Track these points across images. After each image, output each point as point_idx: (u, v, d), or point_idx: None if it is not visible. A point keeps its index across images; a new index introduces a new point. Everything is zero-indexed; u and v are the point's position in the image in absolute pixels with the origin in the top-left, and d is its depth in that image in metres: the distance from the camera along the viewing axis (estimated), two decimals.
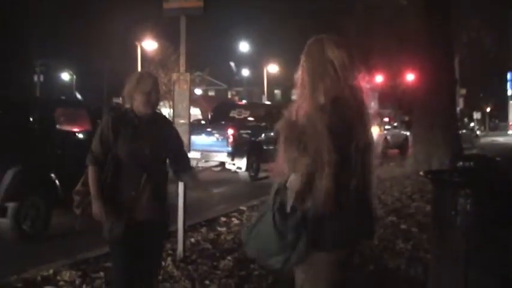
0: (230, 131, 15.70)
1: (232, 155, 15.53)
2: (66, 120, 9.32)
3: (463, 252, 3.87)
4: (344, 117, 2.67)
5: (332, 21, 39.05)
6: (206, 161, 16.17)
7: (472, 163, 4.17)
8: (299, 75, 2.93)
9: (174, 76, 6.78)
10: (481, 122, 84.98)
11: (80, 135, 9.28)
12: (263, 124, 16.75)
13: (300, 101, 2.82)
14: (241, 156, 15.54)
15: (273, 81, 65.69)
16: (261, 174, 15.69)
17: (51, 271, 5.82)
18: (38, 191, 8.13)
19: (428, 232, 6.01)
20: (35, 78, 55.04)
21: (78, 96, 57.54)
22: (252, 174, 15.79)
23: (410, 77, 31.71)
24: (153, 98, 3.99)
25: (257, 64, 60.70)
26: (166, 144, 4.07)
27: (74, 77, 60.67)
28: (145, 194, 3.90)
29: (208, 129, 16.18)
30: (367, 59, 46.59)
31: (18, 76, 48.91)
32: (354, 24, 36.39)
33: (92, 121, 9.31)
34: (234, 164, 15.60)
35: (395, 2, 26.16)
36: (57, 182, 8.27)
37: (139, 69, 43.84)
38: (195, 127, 14.83)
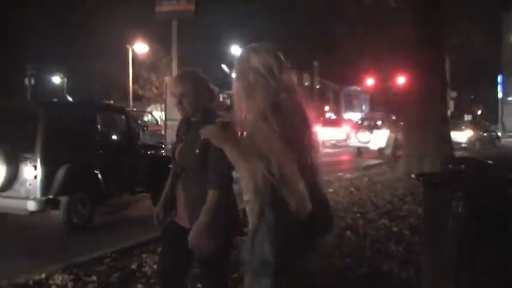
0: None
1: None
2: (106, 122, 10.19)
3: (455, 254, 3.89)
4: (286, 120, 2.65)
5: (324, 25, 39.19)
6: None
7: (463, 166, 4.19)
8: (234, 88, 2.89)
9: (166, 79, 6.81)
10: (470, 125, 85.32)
11: (117, 137, 10.22)
12: None
13: (240, 113, 2.81)
14: None
15: None
16: None
17: (43, 275, 5.80)
18: (84, 187, 9.06)
19: (421, 234, 6.04)
20: (26, 81, 54.83)
21: (70, 99, 57.43)
22: None
23: (401, 79, 31.78)
24: (185, 101, 3.64)
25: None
26: (201, 152, 3.52)
27: (65, 80, 60.48)
28: (180, 201, 3.73)
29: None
30: (358, 62, 46.76)
31: (9, 79, 48.70)
32: (345, 27, 36.45)
33: (128, 123, 10.26)
34: None
35: (386, 5, 26.25)
36: (100, 178, 9.19)
37: (130, 72, 43.85)
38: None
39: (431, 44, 14.46)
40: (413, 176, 4.85)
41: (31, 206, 8.23)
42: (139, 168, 10.10)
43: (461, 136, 30.47)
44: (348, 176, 15.37)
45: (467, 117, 65.77)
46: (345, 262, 6.12)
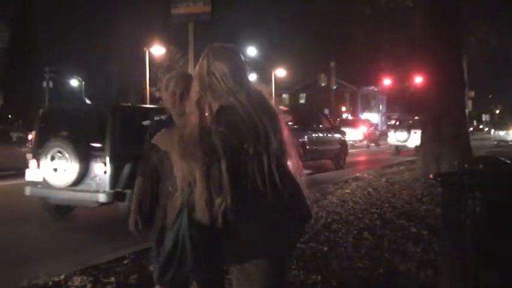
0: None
1: None
2: None
3: (473, 254, 3.87)
4: (230, 125, 2.68)
5: (340, 25, 39.06)
6: None
7: (481, 165, 4.17)
8: (192, 88, 2.96)
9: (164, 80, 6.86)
10: (490, 124, 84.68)
11: None
12: (305, 126, 18.76)
13: (189, 114, 2.90)
14: None
15: (281, 85, 65.76)
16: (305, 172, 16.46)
17: (62, 276, 5.85)
18: None
19: (439, 235, 6.01)
20: (44, 84, 55.31)
21: (88, 102, 57.82)
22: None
23: (418, 79, 31.64)
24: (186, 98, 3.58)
25: (265, 68, 60.75)
26: None
27: (83, 83, 60.92)
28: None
29: None
30: (375, 62, 46.58)
31: (27, 82, 49.16)
32: (361, 27, 36.32)
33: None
34: None
35: (403, 4, 26.12)
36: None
37: (147, 74, 44.06)
38: None
39: (448, 43, 14.38)
40: (431, 176, 4.82)
41: (102, 198, 9.13)
42: None
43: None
44: (366, 176, 15.33)
45: (485, 117, 65.44)
46: (363, 263, 6.11)
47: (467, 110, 26.66)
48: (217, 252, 2.88)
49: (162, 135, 2.89)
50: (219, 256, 2.90)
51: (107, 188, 9.18)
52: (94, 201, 9.25)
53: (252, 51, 56.80)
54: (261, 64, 60.07)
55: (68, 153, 9.21)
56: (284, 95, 79.94)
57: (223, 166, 2.67)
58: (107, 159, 9.20)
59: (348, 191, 12.25)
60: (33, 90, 51.30)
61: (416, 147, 24.45)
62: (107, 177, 9.18)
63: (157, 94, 49.40)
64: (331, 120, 23.83)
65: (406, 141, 27.78)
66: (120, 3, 49.30)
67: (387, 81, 60.36)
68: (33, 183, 9.87)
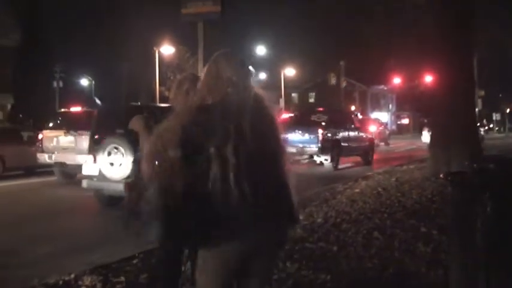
0: (320, 131, 19.91)
1: (321, 150, 19.77)
2: None
3: (483, 255, 3.86)
4: (198, 125, 2.88)
5: (350, 25, 39.01)
6: (300, 155, 20.12)
7: (491, 165, 4.14)
8: (197, 89, 3.28)
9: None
10: (500, 123, 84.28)
11: None
12: (339, 125, 21.27)
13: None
14: (327, 151, 19.80)
15: (290, 84, 65.74)
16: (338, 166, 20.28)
17: (72, 276, 5.87)
18: None
19: (449, 235, 5.99)
20: (54, 83, 55.54)
21: (98, 101, 57.96)
22: (334, 165, 19.96)
23: (428, 78, 31.58)
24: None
25: (274, 67, 60.75)
26: None
27: (93, 82, 61.13)
28: None
29: (300, 130, 20.06)
30: (385, 61, 46.47)
31: (37, 81, 49.38)
32: (372, 26, 36.25)
33: None
34: (321, 157, 20.01)
35: (413, 4, 26.04)
36: None
37: (157, 74, 44.16)
38: (290, 127, 19.73)
39: (459, 42, 14.32)
40: (441, 175, 4.81)
41: None
42: None
43: None
44: (376, 176, 15.31)
45: (496, 116, 65.17)
46: (372, 263, 6.10)
47: (477, 109, 26.62)
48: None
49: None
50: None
51: None
52: None
53: (261, 50, 56.77)
54: (270, 63, 60.11)
55: (124, 149, 10.15)
56: (293, 94, 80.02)
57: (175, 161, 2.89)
58: None
59: (357, 190, 12.23)
60: (43, 90, 51.52)
61: None
62: None
63: (166, 93, 49.50)
64: (360, 120, 26.24)
65: None
66: (129, 3, 49.39)
67: (397, 80, 60.26)
68: (90, 177, 11.06)
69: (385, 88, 77.10)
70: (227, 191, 2.80)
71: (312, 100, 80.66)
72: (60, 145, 15.84)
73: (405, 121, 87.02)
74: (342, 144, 20.54)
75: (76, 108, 20.21)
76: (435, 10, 15.22)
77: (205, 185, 2.82)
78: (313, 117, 22.37)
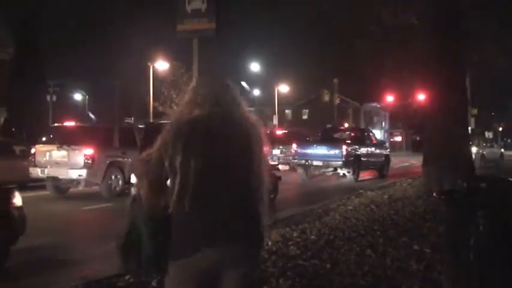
0: (344, 147, 22.15)
1: (344, 164, 22.00)
2: None
3: (477, 273, 3.86)
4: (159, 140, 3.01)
5: (344, 42, 39.20)
6: (326, 167, 22.93)
7: (484, 184, 4.17)
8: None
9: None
10: (493, 142, 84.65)
11: None
12: (359, 142, 24.05)
13: None
14: (349, 165, 22.12)
15: (284, 101, 65.86)
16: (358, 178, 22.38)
17: None
18: None
19: (442, 253, 6.00)
20: (48, 98, 55.46)
21: (92, 116, 57.96)
22: (355, 177, 22.29)
23: (421, 96, 31.80)
24: None
25: (268, 84, 60.92)
26: None
27: (87, 97, 61.10)
28: None
29: (326, 146, 22.93)
30: (378, 79, 46.66)
31: (31, 96, 49.33)
32: (365, 44, 36.44)
33: None
34: (344, 170, 22.38)
35: (407, 23, 26.23)
36: None
37: (151, 89, 44.21)
38: (315, 144, 24.14)
39: (452, 61, 14.42)
40: (434, 193, 4.83)
41: None
42: None
43: None
44: (369, 193, 15.32)
45: (488, 134, 65.14)
46: (365, 280, 6.09)
47: (469, 128, 26.75)
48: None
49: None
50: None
51: None
52: None
53: (255, 67, 57.01)
54: (264, 80, 60.30)
55: None
56: (287, 111, 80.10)
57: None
58: None
59: (350, 207, 12.24)
60: (37, 104, 51.41)
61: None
62: None
63: (160, 109, 49.53)
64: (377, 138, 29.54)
65: None
66: (124, 18, 49.57)
67: (390, 98, 60.44)
68: None
69: (378, 106, 77.33)
70: (175, 208, 2.88)
71: (305, 117, 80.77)
72: (53, 159, 15.78)
73: (398, 139, 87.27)
74: (362, 159, 23.02)
75: (69, 123, 20.19)
76: (427, 29, 15.34)
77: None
78: (336, 135, 25.71)
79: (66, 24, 55.72)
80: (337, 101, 58.12)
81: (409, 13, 24.34)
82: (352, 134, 25.86)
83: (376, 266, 6.71)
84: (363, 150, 23.59)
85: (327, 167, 22.78)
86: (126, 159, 15.69)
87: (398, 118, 75.33)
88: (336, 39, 39.26)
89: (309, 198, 15.94)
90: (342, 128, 29.96)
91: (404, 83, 43.78)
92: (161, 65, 45.55)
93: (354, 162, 22.30)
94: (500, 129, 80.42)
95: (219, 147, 2.95)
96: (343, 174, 22.71)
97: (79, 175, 15.21)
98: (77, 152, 15.41)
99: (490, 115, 76.02)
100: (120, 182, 15.69)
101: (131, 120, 50.62)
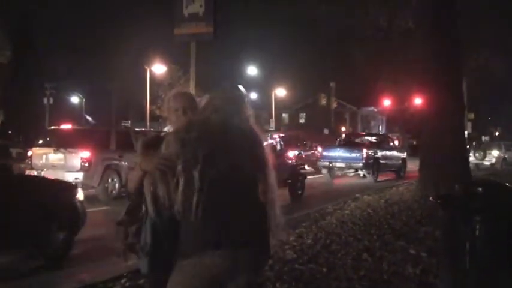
0: (364, 151, 24.09)
1: (365, 166, 23.90)
2: None
3: (473, 278, 3.86)
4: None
5: (341, 46, 39.24)
6: (348, 169, 24.65)
7: (481, 188, 4.17)
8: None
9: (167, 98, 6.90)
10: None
11: None
12: (378, 146, 26.07)
13: None
14: (369, 166, 24.01)
15: (281, 105, 65.90)
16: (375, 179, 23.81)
17: None
18: None
19: (438, 257, 5.99)
20: (45, 100, 55.41)
21: (89, 119, 57.87)
22: (374, 178, 23.81)
23: (418, 100, 31.91)
24: (189, 112, 3.88)
25: (265, 88, 60.95)
26: None
27: (83, 99, 61.04)
28: None
29: (348, 149, 24.74)
30: (375, 83, 46.71)
31: (28, 98, 49.29)
32: (363, 48, 36.52)
33: None
34: (364, 171, 24.22)
35: (404, 27, 26.28)
36: None
37: (148, 92, 44.19)
38: (338, 147, 25.84)
39: (448, 65, 14.45)
40: (431, 198, 4.83)
41: None
42: None
43: None
44: (365, 197, 15.32)
45: (485, 138, 65.23)
46: (361, 285, 6.09)
47: (466, 132, 26.81)
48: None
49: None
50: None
51: None
52: None
53: (252, 70, 57.05)
54: (261, 84, 60.31)
55: None
56: (284, 115, 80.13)
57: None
58: None
59: (347, 211, 12.23)
60: (33, 107, 51.39)
61: (491, 164, 34.74)
62: None
63: (157, 112, 49.51)
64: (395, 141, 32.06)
65: (482, 159, 34.79)
66: (121, 21, 49.58)
67: (387, 102, 60.51)
68: None
69: (375, 110, 77.44)
70: (188, 214, 2.89)
71: (302, 121, 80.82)
72: (50, 162, 15.73)
73: (395, 142, 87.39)
74: (381, 161, 24.83)
75: (66, 126, 20.15)
76: (424, 33, 15.37)
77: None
78: (357, 140, 28.68)
79: (64, 27, 55.65)
80: (334, 105, 58.27)
81: (406, 17, 24.42)
82: (372, 139, 28.48)
83: (372, 270, 6.70)
84: (382, 153, 25.36)
85: (349, 168, 24.70)
86: (122, 163, 15.65)
87: (396, 122, 75.31)
88: (332, 44, 39.30)
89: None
90: (363, 133, 34.14)
91: (401, 87, 43.84)
92: (158, 68, 45.54)
93: (373, 164, 24.21)
94: (497, 133, 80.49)
95: (233, 155, 3.00)
96: (363, 175, 24.53)
97: (75, 178, 15.13)
98: (73, 155, 15.36)
99: (486, 120, 76.18)
100: (117, 185, 15.63)
101: (128, 123, 50.60)
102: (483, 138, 57.09)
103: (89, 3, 75.05)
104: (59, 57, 54.82)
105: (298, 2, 29.29)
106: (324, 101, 61.76)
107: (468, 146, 24.22)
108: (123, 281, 6.39)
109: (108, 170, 15.54)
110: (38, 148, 16.79)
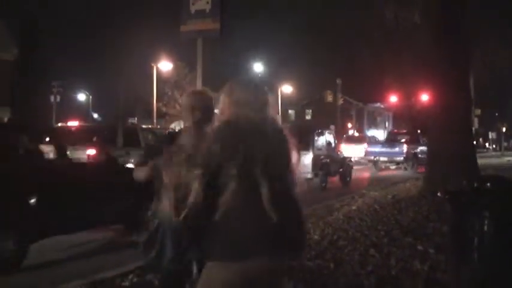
0: (405, 147, 29.10)
1: (406, 159, 28.77)
2: None
3: (481, 273, 3.86)
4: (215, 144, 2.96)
5: (347, 43, 39.14)
6: (390, 162, 29.64)
7: (489, 184, 4.16)
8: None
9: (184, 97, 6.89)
10: (496, 142, 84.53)
11: None
12: (417, 143, 29.68)
13: None
14: (409, 160, 28.67)
15: (287, 101, 65.86)
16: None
17: None
18: (322, 168, 18.73)
19: (446, 253, 5.98)
20: (52, 98, 55.55)
21: (96, 116, 58.00)
22: (415, 170, 26.94)
23: (425, 97, 31.87)
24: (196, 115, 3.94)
25: (271, 84, 60.85)
26: None
27: (90, 97, 61.17)
28: None
29: (391, 145, 30.05)
30: (382, 79, 46.60)
31: (35, 96, 49.43)
32: (369, 44, 36.42)
33: None
34: (405, 164, 28.78)
35: (410, 22, 26.20)
36: None
37: (154, 90, 44.22)
38: (382, 144, 32.75)
39: (455, 61, 14.37)
40: (439, 193, 4.82)
41: (309, 175, 17.66)
42: None
43: None
44: (372, 193, 15.31)
45: (492, 135, 65.33)
46: (369, 281, 6.09)
47: (473, 128, 26.74)
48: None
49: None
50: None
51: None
52: (304, 178, 16.91)
53: (258, 67, 56.95)
54: (267, 80, 60.23)
55: None
56: (290, 111, 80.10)
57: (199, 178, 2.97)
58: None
59: (354, 207, 12.23)
60: (40, 104, 51.49)
61: None
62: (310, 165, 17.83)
63: (163, 109, 49.56)
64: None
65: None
66: (128, 19, 49.64)
67: (393, 98, 60.41)
68: None
69: (382, 106, 77.33)
70: (256, 213, 2.82)
71: (308, 117, 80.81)
72: None
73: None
74: (419, 156, 28.22)
75: (73, 123, 20.20)
76: (431, 28, 15.29)
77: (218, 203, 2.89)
78: (399, 137, 32.70)
79: (71, 25, 55.79)
80: (341, 101, 58.15)
81: (413, 12, 24.34)
82: (412, 137, 32.08)
83: (380, 266, 6.70)
84: (420, 149, 28.50)
85: (391, 162, 29.55)
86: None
87: (402, 118, 75.21)
88: (339, 40, 39.21)
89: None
90: (404, 131, 37.96)
91: (408, 83, 43.75)
92: (165, 66, 45.55)
93: (412, 158, 28.56)
94: (504, 129, 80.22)
95: (268, 152, 2.95)
96: (404, 168, 28.74)
97: None
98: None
99: (493, 115, 75.89)
100: None
101: (135, 120, 50.68)
102: (490, 134, 56.85)
103: (95, 2, 75.22)
104: (65, 55, 54.99)
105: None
106: (330, 98, 61.67)
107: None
108: (131, 277, 6.42)
109: None
110: (44, 145, 16.81)
